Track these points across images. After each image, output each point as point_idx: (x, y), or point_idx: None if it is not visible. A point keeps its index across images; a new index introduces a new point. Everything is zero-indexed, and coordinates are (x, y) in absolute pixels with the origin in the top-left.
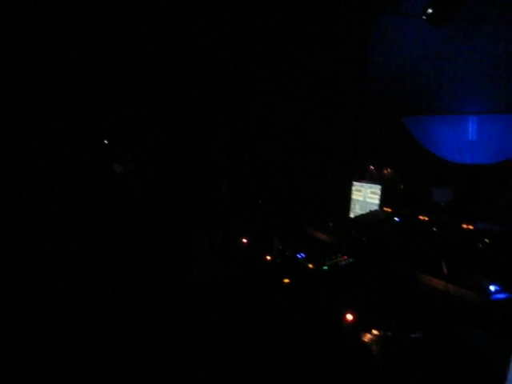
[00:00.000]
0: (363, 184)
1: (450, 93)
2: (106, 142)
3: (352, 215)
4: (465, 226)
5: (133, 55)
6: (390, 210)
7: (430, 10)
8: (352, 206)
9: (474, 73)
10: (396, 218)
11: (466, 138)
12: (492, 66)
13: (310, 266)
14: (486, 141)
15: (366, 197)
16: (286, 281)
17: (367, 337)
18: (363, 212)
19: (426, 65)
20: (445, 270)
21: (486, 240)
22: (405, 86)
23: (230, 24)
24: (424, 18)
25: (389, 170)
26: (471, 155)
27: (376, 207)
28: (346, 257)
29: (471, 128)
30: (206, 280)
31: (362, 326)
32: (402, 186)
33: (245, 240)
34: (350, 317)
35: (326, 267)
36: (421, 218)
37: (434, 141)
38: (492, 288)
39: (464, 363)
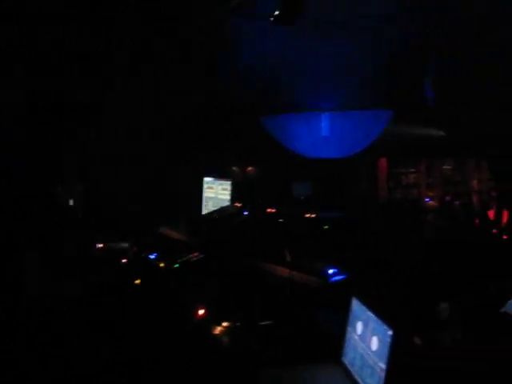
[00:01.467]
0: (215, 181)
1: (304, 91)
2: None
3: (205, 212)
4: (308, 215)
5: None
6: (240, 204)
7: (276, 12)
8: (205, 203)
9: (326, 72)
10: (245, 212)
11: (319, 134)
12: (342, 66)
13: (162, 264)
14: (338, 136)
15: (217, 193)
16: (137, 282)
17: (217, 329)
18: (215, 208)
19: (280, 65)
20: (288, 258)
21: (326, 227)
22: (260, 85)
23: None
24: (272, 19)
25: (251, 167)
26: (325, 150)
27: (227, 203)
28: (197, 253)
29: (324, 124)
30: (40, 296)
31: (212, 319)
32: (263, 183)
33: (100, 245)
34: (201, 311)
35: (177, 265)
36: (269, 210)
37: (291, 138)
38: (330, 271)
39: (310, 342)
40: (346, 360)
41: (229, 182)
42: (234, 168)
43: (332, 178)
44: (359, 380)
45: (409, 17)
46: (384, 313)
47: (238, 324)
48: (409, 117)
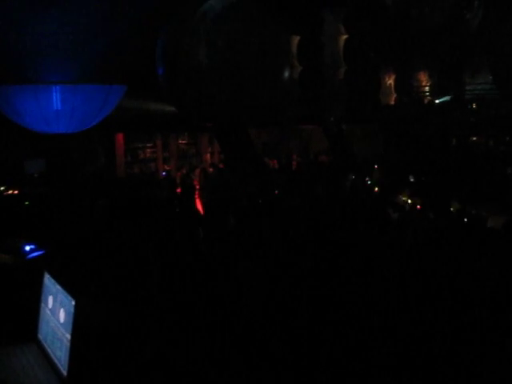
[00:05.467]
0: None
1: (33, 62)
2: None
3: None
4: (11, 191)
5: None
6: None
7: None
8: None
9: (57, 44)
10: None
11: (50, 108)
12: (74, 39)
13: None
14: (69, 110)
15: None
16: None
17: None
18: None
19: (6, 33)
20: None
21: (26, 203)
22: None
23: None
24: None
25: None
26: (57, 125)
27: None
28: None
29: (55, 98)
30: None
31: None
32: None
33: None
34: None
35: None
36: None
37: (19, 111)
38: (27, 248)
39: (9, 323)
40: (41, 336)
41: None
42: None
43: (66, 153)
44: (51, 354)
45: None
46: (69, 284)
47: None
48: (144, 92)
